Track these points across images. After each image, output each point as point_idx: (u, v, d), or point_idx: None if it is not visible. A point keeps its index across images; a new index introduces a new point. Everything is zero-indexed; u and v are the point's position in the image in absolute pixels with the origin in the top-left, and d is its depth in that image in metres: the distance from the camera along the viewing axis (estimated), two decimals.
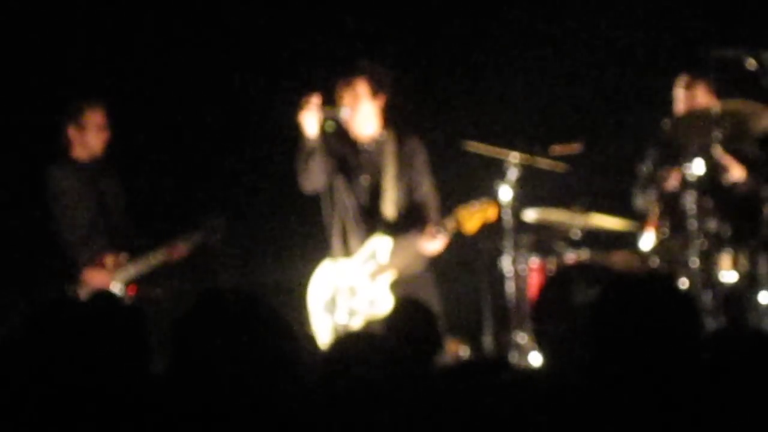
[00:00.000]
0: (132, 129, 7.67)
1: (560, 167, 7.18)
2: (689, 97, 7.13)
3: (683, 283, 6.64)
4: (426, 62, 8.38)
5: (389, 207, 6.74)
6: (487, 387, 2.99)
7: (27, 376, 2.97)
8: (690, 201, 6.73)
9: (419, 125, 7.17)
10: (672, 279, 6.28)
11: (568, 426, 2.91)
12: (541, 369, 6.38)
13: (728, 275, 6.77)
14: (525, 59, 8.30)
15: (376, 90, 6.74)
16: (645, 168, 7.28)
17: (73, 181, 7.16)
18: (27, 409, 2.94)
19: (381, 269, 6.66)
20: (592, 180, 7.90)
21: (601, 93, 8.24)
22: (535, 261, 7.29)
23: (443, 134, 7.71)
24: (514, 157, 6.95)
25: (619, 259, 7.11)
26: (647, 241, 6.97)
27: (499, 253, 7.17)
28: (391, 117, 6.85)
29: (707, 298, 6.65)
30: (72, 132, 7.16)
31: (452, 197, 6.79)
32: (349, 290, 6.69)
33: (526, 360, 6.88)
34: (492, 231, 6.99)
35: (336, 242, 6.75)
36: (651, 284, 3.02)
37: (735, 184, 6.93)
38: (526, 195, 7.05)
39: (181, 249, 7.08)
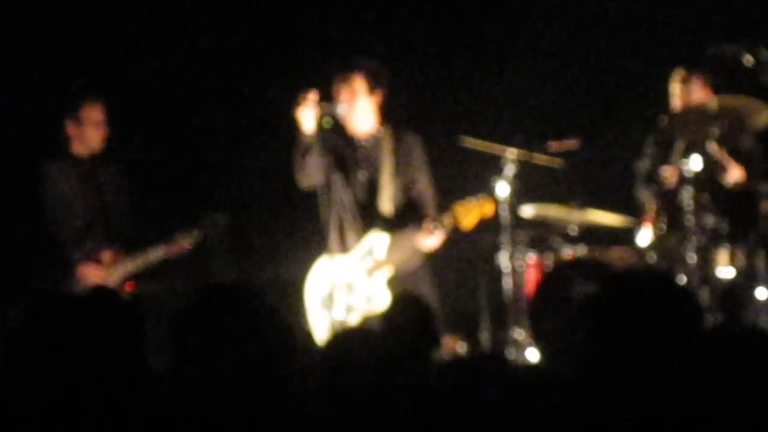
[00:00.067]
0: (130, 126, 7.66)
1: (557, 163, 7.17)
2: (685, 91, 7.14)
3: (680, 279, 6.64)
4: (423, 58, 8.38)
5: (386, 203, 6.74)
6: (484, 383, 2.99)
7: (23, 371, 2.97)
8: (687, 197, 6.73)
9: (416, 121, 7.18)
10: (671, 275, 6.28)
11: (565, 421, 2.91)
12: (538, 365, 6.38)
13: (725, 271, 6.77)
14: (522, 55, 8.30)
15: (373, 86, 6.75)
16: (642, 164, 7.29)
17: (71, 177, 7.16)
18: (24, 404, 2.93)
19: (378, 265, 6.66)
20: (590, 176, 7.90)
21: (598, 89, 8.24)
22: (532, 257, 7.29)
23: (440, 130, 7.70)
24: (511, 153, 6.95)
25: (616, 255, 7.11)
26: (644, 237, 6.97)
27: (496, 249, 7.17)
28: (388, 113, 6.85)
29: (704, 294, 6.65)
30: (70, 128, 7.16)
31: (449, 193, 6.79)
32: (347, 286, 6.69)
33: (523, 356, 6.89)
34: (489, 227, 6.99)
35: (333, 238, 6.75)
36: (651, 280, 3.02)
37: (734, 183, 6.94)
38: (524, 191, 7.05)
39: (180, 245, 7.08)
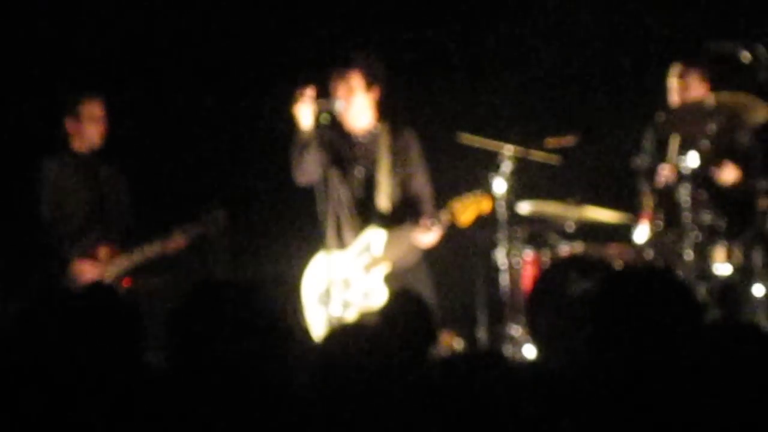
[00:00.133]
0: (129, 122, 7.66)
1: (554, 160, 7.17)
2: (683, 86, 7.13)
3: (677, 275, 6.64)
4: (420, 54, 8.37)
5: (383, 199, 6.74)
6: (481, 380, 2.99)
7: (22, 368, 2.97)
8: (684, 194, 6.73)
9: (414, 117, 7.17)
10: (672, 272, 6.28)
11: (562, 418, 2.91)
12: (535, 361, 6.38)
13: (722, 268, 6.77)
14: (519, 52, 8.30)
15: (370, 82, 6.74)
16: (640, 161, 7.28)
17: (69, 173, 7.16)
18: (22, 401, 2.93)
19: (375, 261, 6.66)
20: (587, 172, 7.90)
21: (596, 85, 8.24)
22: (529, 253, 7.29)
23: (437, 126, 7.70)
24: (508, 150, 6.95)
25: (613, 251, 7.11)
26: (641, 233, 6.97)
27: (493, 245, 7.16)
28: (385, 109, 6.85)
29: (701, 290, 6.65)
30: (69, 124, 7.16)
31: (446, 190, 6.79)
32: (344, 282, 6.69)
33: (520, 352, 6.88)
34: (486, 223, 6.99)
35: (330, 234, 6.75)
36: (652, 277, 3.02)
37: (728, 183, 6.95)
38: (521, 187, 7.05)
39: (177, 241, 7.07)
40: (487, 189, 6.77)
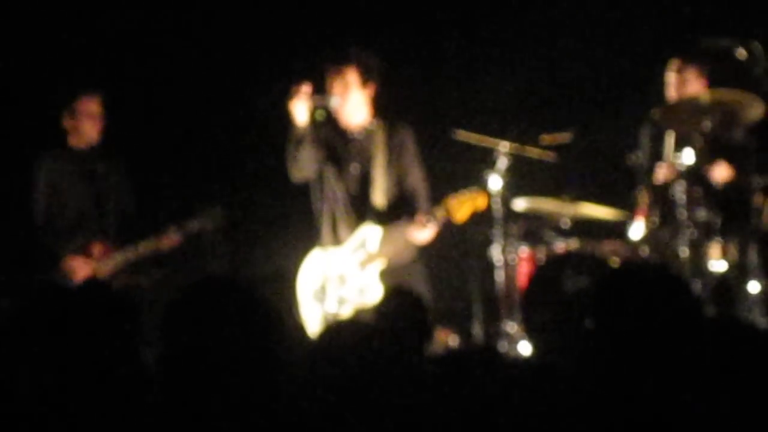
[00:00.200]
0: (126, 119, 7.65)
1: (550, 156, 7.18)
2: (680, 81, 7.14)
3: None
4: (416, 51, 8.37)
5: (379, 196, 6.74)
6: (476, 376, 2.99)
7: (16, 365, 2.96)
8: (679, 191, 6.73)
9: (409, 114, 7.17)
10: (668, 269, 6.28)
11: (558, 415, 2.91)
12: (530, 358, 6.38)
13: (717, 265, 6.78)
14: (515, 48, 8.29)
15: (365, 79, 6.74)
16: (636, 158, 7.28)
17: (65, 169, 7.16)
18: (16, 399, 2.93)
19: (371, 258, 6.66)
20: (582, 169, 7.90)
21: (591, 82, 8.24)
22: (524, 250, 7.29)
23: (433, 123, 7.70)
24: (503, 147, 6.95)
25: (608, 248, 7.11)
26: (637, 230, 6.97)
27: (488, 242, 7.17)
28: (381, 106, 6.85)
29: (697, 287, 6.65)
30: (67, 121, 7.17)
31: (442, 186, 6.78)
32: (339, 279, 6.69)
33: (515, 349, 6.89)
34: (482, 220, 6.99)
35: (326, 231, 6.74)
36: (649, 274, 3.02)
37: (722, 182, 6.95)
38: (516, 184, 7.05)
39: (172, 238, 7.07)
40: (482, 186, 6.77)
